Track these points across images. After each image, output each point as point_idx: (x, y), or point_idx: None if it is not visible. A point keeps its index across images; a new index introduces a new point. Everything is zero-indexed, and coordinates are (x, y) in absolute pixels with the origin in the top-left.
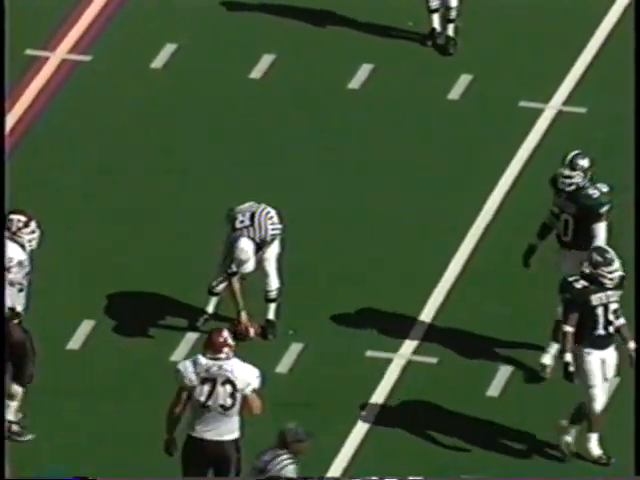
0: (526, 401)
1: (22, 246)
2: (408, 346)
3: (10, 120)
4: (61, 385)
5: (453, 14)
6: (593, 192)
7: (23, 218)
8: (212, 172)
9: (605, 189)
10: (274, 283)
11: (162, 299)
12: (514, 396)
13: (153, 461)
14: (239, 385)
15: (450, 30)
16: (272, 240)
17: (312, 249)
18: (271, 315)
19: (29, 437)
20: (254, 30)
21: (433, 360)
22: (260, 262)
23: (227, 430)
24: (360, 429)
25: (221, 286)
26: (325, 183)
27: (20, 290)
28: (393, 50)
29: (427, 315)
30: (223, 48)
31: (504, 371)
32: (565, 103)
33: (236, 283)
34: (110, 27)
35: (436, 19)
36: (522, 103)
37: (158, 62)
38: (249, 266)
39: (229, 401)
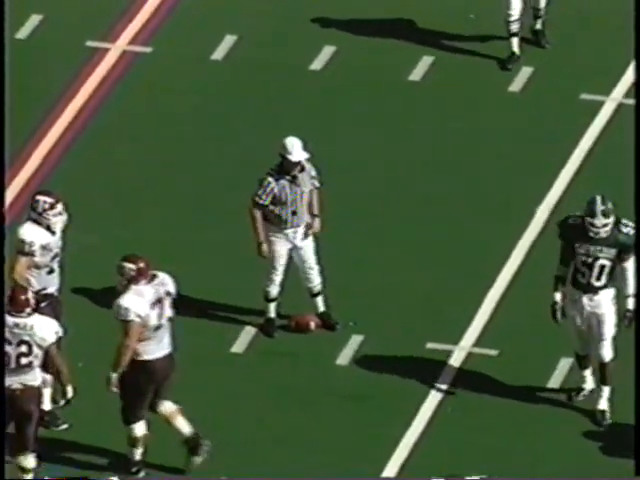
0: (588, 396)
1: (48, 228)
2: (469, 338)
3: (70, 112)
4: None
5: (542, 13)
6: (628, 230)
7: (50, 199)
8: (273, 163)
9: (631, 223)
10: (317, 277)
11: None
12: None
13: None
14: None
15: (539, 24)
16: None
17: (369, 238)
18: (322, 307)
19: (64, 426)
20: (315, 21)
21: (494, 352)
22: (300, 259)
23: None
24: (420, 422)
25: (275, 291)
26: (384, 170)
27: (49, 272)
28: (454, 43)
29: (488, 306)
30: (284, 39)
31: (564, 363)
32: (626, 95)
33: (258, 213)
34: (170, 18)
35: (515, 43)
36: (583, 95)
37: (219, 53)
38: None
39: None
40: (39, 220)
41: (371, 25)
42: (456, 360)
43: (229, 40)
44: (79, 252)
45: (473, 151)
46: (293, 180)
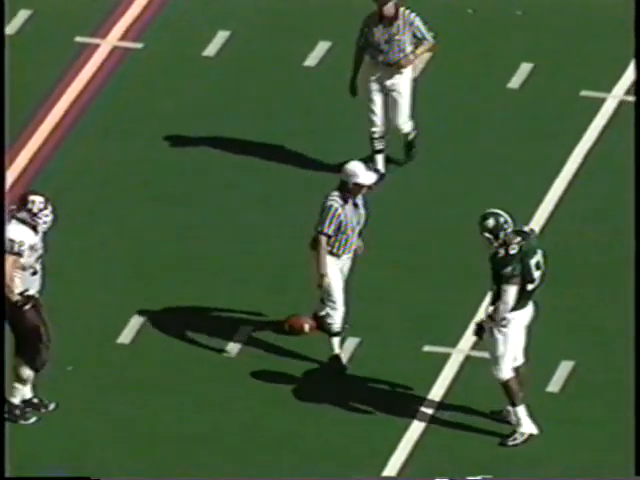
0: (588, 397)
1: (34, 228)
2: (467, 341)
3: (61, 107)
4: (110, 379)
5: (411, 137)
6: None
7: (43, 199)
8: (268, 160)
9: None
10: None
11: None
12: (574, 392)
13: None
14: None
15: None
16: None
17: (373, 240)
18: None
19: (32, 420)
20: (309, 16)
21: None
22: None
23: None
24: (418, 425)
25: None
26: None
27: (33, 274)
28: (452, 38)
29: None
30: (276, 35)
31: (564, 367)
32: (628, 92)
33: (324, 242)
34: (162, 14)
35: (380, 160)
36: (584, 92)
37: (211, 50)
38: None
39: None
40: (28, 220)
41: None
42: (454, 364)
43: (221, 36)
44: (67, 253)
45: (472, 149)
46: (356, 205)
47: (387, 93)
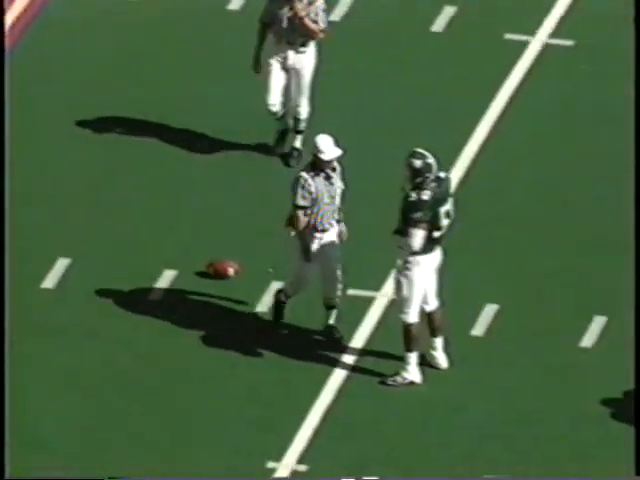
0: (512, 341)
1: None
2: (391, 285)
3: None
4: (35, 324)
5: (302, 125)
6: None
7: None
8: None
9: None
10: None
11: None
12: (498, 336)
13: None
14: None
15: (298, 142)
16: None
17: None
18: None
19: None
20: None
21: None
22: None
23: None
24: (340, 372)
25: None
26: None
27: None
28: None
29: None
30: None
31: (489, 310)
32: (552, 36)
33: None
34: None
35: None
36: (508, 35)
37: (235, 4)
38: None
39: None
40: None
41: None
42: (378, 307)
43: None
44: None
45: (395, 93)
46: (328, 178)
47: (289, 72)
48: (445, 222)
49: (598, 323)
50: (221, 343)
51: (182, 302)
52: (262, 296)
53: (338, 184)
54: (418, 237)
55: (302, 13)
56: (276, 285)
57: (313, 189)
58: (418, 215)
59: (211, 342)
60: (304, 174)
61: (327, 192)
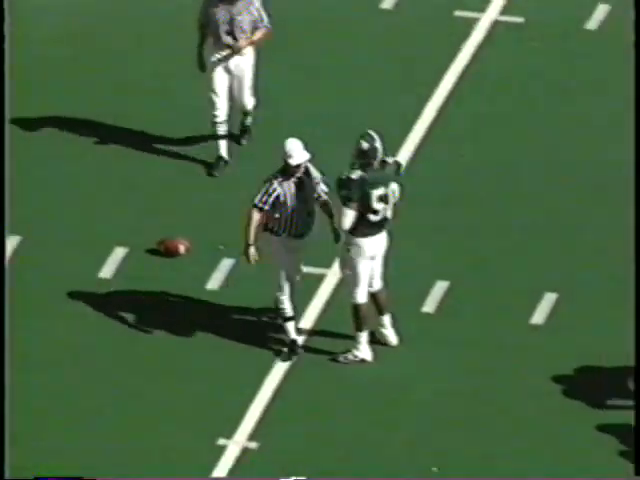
0: (462, 318)
1: None
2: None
3: None
4: None
5: (249, 120)
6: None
7: None
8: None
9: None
10: None
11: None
12: (448, 313)
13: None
14: None
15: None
16: None
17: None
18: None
19: None
20: None
21: None
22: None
23: None
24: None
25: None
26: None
27: None
28: None
29: None
30: None
31: (439, 287)
32: (502, 13)
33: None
34: None
35: (223, 146)
36: (457, 12)
37: None
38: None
39: None
40: None
41: None
42: (328, 285)
43: None
44: None
45: (344, 70)
46: (300, 184)
47: (230, 73)
48: (379, 206)
49: (548, 300)
50: (172, 322)
51: (132, 280)
52: (212, 273)
53: (314, 189)
54: (348, 216)
55: (243, 44)
56: (229, 262)
57: (280, 197)
58: (344, 192)
59: (161, 321)
60: (274, 181)
61: (298, 197)
